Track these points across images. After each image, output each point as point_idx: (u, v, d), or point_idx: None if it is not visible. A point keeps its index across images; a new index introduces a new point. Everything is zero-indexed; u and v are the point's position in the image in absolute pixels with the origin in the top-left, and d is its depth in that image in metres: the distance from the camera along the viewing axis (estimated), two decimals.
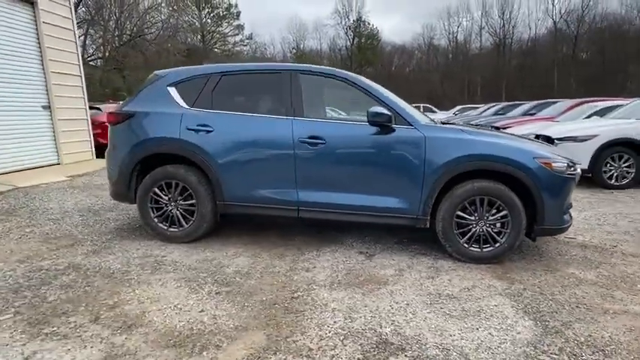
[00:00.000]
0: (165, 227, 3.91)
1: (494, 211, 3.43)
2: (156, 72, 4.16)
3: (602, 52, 49.20)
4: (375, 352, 2.24)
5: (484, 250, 3.48)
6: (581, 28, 51.42)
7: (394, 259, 3.57)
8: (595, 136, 6.63)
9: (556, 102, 12.64)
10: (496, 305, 2.78)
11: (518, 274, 3.30)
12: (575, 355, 2.25)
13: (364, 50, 56.92)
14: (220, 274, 3.23)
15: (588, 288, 3.07)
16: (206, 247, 3.79)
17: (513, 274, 3.31)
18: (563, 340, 2.38)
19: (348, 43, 58.66)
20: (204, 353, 2.20)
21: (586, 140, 6.61)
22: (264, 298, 2.83)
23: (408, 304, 2.78)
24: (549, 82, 50.44)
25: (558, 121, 9.45)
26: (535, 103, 13.31)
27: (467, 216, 3.46)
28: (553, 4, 52.24)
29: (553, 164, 3.38)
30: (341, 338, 2.36)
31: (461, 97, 56.83)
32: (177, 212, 3.88)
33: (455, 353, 2.24)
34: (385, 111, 3.44)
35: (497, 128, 9.31)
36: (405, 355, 2.21)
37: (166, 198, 3.87)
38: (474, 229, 3.47)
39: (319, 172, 3.61)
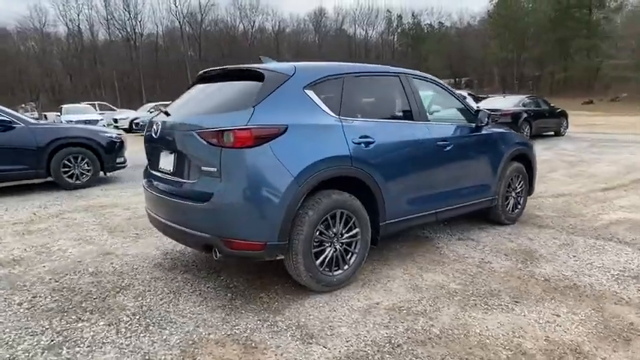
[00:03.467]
0: (330, 273, 3.03)
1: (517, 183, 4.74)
2: (273, 68, 2.98)
3: (222, 53, 57.36)
4: None
5: (515, 212, 4.76)
6: (202, 30, 57.80)
7: (481, 237, 4.30)
8: None
9: None
10: (585, 242, 4.15)
11: (541, 222, 4.79)
12: None
13: None
14: (451, 293, 3.08)
15: (572, 219, 4.91)
16: (367, 283, 3.26)
17: (539, 223, 4.77)
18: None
19: None
20: None
21: None
22: (541, 292, 3.08)
23: (575, 255, 3.75)
24: (184, 77, 54.27)
25: None
26: None
27: (509, 190, 4.62)
28: (176, 5, 55.76)
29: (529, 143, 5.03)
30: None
31: (93, 90, 52.72)
32: (340, 249, 3.08)
33: None
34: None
35: None
36: None
37: (330, 234, 3.00)
38: (511, 199, 4.68)
39: (448, 172, 3.83)
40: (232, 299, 2.99)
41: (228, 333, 2.55)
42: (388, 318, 2.71)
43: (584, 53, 32.82)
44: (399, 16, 59.84)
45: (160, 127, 3.13)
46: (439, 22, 58.12)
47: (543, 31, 33.19)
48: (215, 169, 2.71)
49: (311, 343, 2.43)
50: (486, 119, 4.07)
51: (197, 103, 3.22)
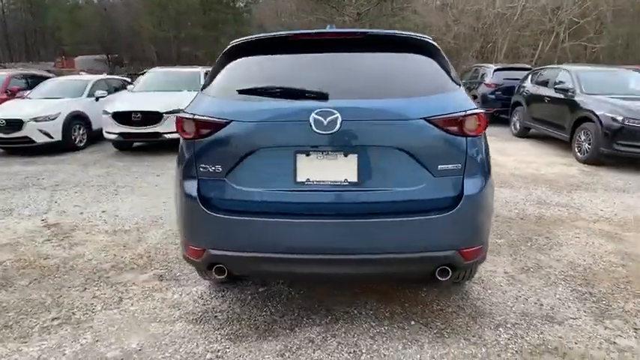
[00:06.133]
0: None
1: None
2: (428, 38, 2.41)
3: None
4: None
5: None
6: None
7: None
8: None
9: None
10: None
11: None
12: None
13: None
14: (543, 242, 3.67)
15: None
16: None
17: None
18: None
19: None
20: None
21: None
22: (562, 226, 4.03)
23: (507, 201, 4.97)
24: None
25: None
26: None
27: None
28: None
29: None
30: None
31: None
32: None
33: None
34: None
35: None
36: None
37: None
38: None
39: None
40: (441, 329, 2.41)
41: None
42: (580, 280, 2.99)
43: (234, 37, 36.54)
44: None
45: (335, 117, 2.00)
46: None
47: (196, 13, 34.86)
48: (459, 165, 2.11)
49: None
50: None
51: (352, 79, 2.21)
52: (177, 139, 2.33)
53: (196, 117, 2.16)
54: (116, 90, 9.78)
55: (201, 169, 2.18)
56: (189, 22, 35.43)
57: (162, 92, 8.26)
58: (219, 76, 2.34)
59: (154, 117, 7.37)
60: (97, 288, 2.97)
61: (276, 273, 2.43)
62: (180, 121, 2.21)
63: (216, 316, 2.58)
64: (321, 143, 2.06)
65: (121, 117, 7.40)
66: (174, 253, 3.47)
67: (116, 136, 7.54)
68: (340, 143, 2.06)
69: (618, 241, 3.64)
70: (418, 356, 2.18)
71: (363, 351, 2.22)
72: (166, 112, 7.37)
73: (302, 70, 2.30)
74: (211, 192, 2.18)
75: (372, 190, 2.10)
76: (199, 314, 2.61)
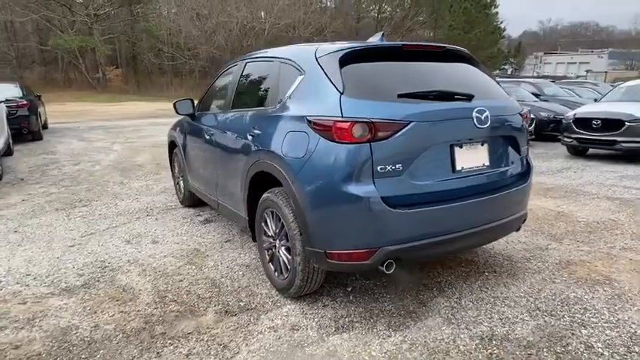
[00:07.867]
0: None
1: None
2: None
3: None
4: None
5: None
6: None
7: None
8: None
9: None
10: None
11: None
12: None
13: None
14: None
15: None
16: None
17: None
18: None
19: None
20: None
21: None
22: None
23: None
24: None
25: None
26: None
27: None
28: None
29: None
30: None
31: None
32: None
33: None
34: None
35: None
36: None
37: None
38: None
39: None
40: (507, 273, 3.12)
41: None
42: None
43: None
44: None
45: (487, 114, 2.46)
46: None
47: None
48: (527, 146, 2.91)
49: None
50: None
51: (462, 84, 2.67)
52: None
53: (374, 120, 2.20)
54: None
55: (379, 170, 2.23)
56: None
57: None
58: (353, 81, 2.38)
59: None
60: (173, 347, 2.36)
61: (442, 253, 2.66)
62: (350, 125, 2.19)
63: (351, 321, 2.56)
64: (474, 136, 2.50)
65: None
66: (198, 288, 2.99)
67: None
68: (484, 135, 2.54)
69: None
70: (519, 291, 2.87)
71: (491, 300, 2.74)
72: None
73: (419, 75, 2.62)
74: (391, 190, 2.26)
75: (496, 170, 2.66)
76: (332, 326, 2.51)
